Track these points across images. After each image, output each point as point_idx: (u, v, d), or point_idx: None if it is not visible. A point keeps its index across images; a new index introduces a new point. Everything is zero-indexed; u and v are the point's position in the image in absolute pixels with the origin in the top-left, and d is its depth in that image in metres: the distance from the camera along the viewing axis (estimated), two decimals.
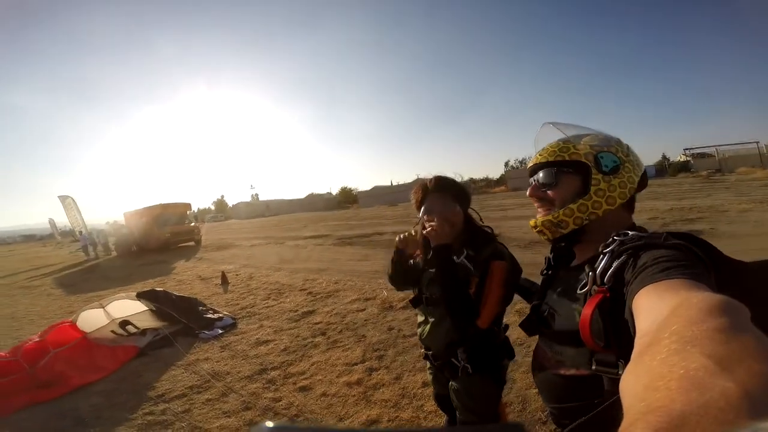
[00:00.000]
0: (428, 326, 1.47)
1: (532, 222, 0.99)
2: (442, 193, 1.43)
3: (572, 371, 0.84)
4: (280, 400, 2.78)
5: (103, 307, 4.62)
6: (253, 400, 2.81)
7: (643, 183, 0.92)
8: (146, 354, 3.98)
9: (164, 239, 16.29)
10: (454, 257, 1.36)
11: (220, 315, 5.05)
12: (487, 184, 57.29)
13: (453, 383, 1.46)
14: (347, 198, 69.46)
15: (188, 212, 18.88)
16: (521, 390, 2.46)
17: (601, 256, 0.77)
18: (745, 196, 12.81)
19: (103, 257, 16.97)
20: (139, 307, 4.91)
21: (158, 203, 18.12)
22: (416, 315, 1.61)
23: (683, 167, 41.12)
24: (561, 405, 0.88)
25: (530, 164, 0.99)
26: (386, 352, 3.39)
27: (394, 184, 66.41)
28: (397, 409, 2.52)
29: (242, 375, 3.26)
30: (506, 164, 68.79)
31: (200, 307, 5.20)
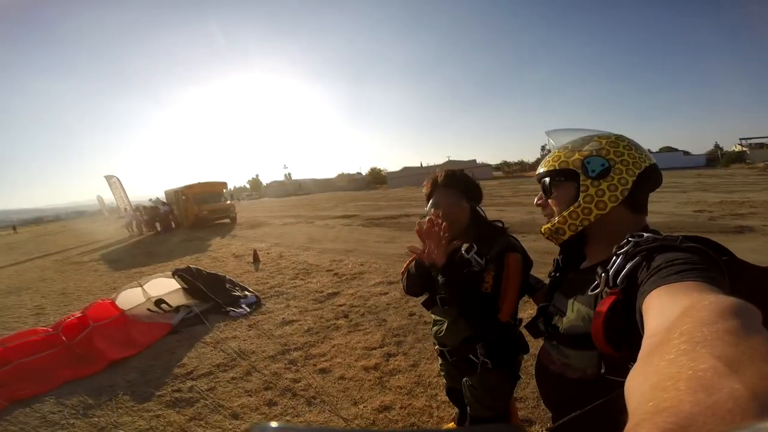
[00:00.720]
0: (445, 325, 1.47)
1: (541, 229, 1.00)
2: (450, 188, 1.41)
3: (578, 375, 0.84)
4: (299, 381, 2.86)
5: (141, 286, 4.90)
6: (274, 380, 2.91)
7: (654, 181, 0.88)
8: (179, 331, 4.21)
9: (202, 216, 17.00)
10: (463, 251, 1.34)
11: (246, 293, 5.25)
12: (521, 168, 55.52)
13: (467, 379, 1.46)
14: (376, 178, 69.50)
15: (224, 190, 19.49)
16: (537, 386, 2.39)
17: (614, 257, 0.75)
18: None
19: (146, 234, 17.99)
20: (174, 285, 5.18)
21: (196, 182, 18.81)
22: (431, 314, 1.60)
23: (738, 158, 37.95)
24: (565, 407, 0.86)
25: (536, 173, 1.01)
26: (405, 338, 3.40)
27: (424, 165, 65.67)
28: (411, 396, 2.53)
29: (266, 354, 3.38)
30: (542, 148, 66.05)
31: (227, 284, 5.41)
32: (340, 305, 4.55)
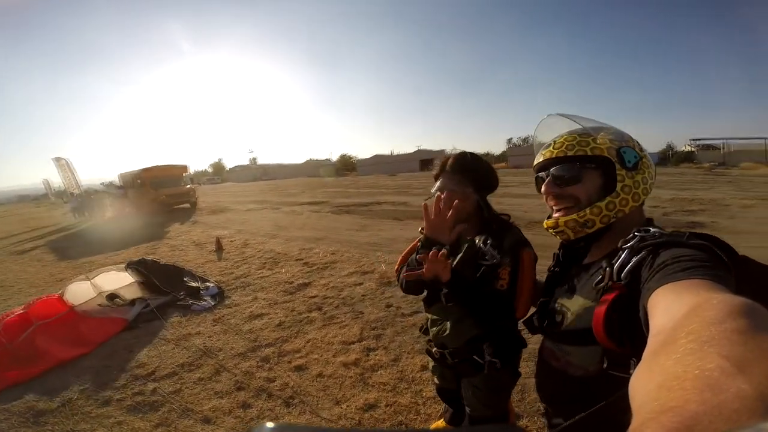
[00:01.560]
0: (448, 324, 1.37)
1: (549, 222, 0.91)
2: (457, 173, 1.31)
3: (581, 372, 0.82)
4: (274, 381, 2.68)
5: (89, 280, 4.47)
6: (246, 380, 2.70)
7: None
8: (136, 327, 3.86)
9: (159, 201, 16.06)
10: (480, 243, 1.26)
11: (208, 284, 4.93)
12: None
13: (470, 380, 1.39)
14: (346, 165, 68.80)
15: (184, 174, 18.56)
16: (520, 379, 2.37)
17: (620, 251, 0.74)
18: (749, 192, 12.44)
19: (96, 219, 16.74)
20: (127, 279, 4.77)
21: (154, 165, 17.74)
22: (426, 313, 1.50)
23: (687, 157, 40.18)
24: (566, 404, 0.86)
25: (541, 158, 0.91)
26: (384, 331, 3.29)
27: (395, 153, 65.71)
28: (395, 393, 2.42)
29: (235, 352, 3.16)
30: (509, 141, 67.83)
31: (186, 277, 5.06)
32: (313, 297, 4.36)
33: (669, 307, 0.50)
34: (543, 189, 0.91)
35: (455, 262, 1.30)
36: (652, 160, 0.89)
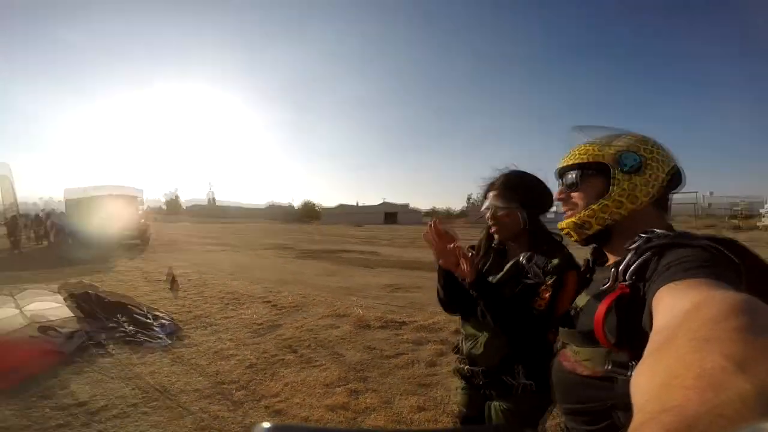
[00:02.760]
0: (482, 338, 1.29)
1: (560, 224, 0.98)
2: (505, 190, 1.29)
3: (588, 372, 0.83)
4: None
5: (20, 309, 3.88)
6: (217, 425, 2.34)
7: (677, 181, 0.89)
8: (75, 362, 3.32)
9: (107, 234, 14.69)
10: (523, 260, 1.23)
11: (161, 320, 4.44)
12: (447, 215, 59.35)
13: (498, 403, 1.29)
14: (310, 213, 68.31)
15: (138, 208, 17.15)
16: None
17: (626, 253, 0.76)
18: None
19: (32, 246, 14.99)
20: (64, 310, 4.20)
21: (107, 185, 16.34)
22: (461, 328, 1.42)
23: None
24: (573, 405, 0.87)
25: (557, 167, 0.99)
26: (370, 374, 3.04)
27: (360, 204, 66.53)
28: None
29: (201, 394, 2.76)
30: (468, 198, 71.23)
31: (136, 312, 4.54)
32: (285, 338, 4.02)
33: (671, 305, 0.50)
34: (555, 195, 1.00)
35: (497, 278, 1.27)
36: (666, 162, 0.87)
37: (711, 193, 53.91)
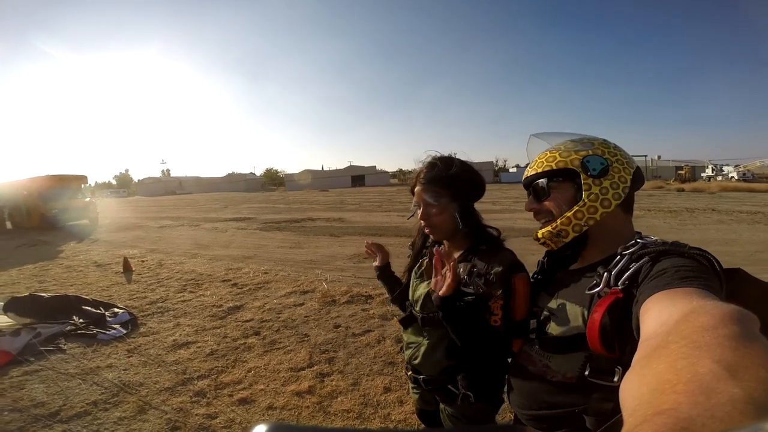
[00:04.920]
0: (422, 348, 1.22)
1: (535, 234, 0.96)
2: (431, 184, 1.14)
3: (558, 377, 0.83)
4: (216, 417, 2.30)
5: None
6: (181, 418, 2.28)
7: (638, 180, 0.90)
8: (25, 361, 3.10)
9: (50, 216, 13.67)
10: (462, 273, 1.08)
11: (114, 309, 4.23)
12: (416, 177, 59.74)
13: (446, 407, 1.25)
14: (273, 180, 66.20)
15: (83, 185, 16.14)
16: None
17: (619, 257, 0.76)
18: (636, 204, 14.57)
19: None
20: (3, 316, 3.86)
21: (45, 174, 15.18)
22: (402, 334, 1.35)
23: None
24: (538, 411, 0.86)
25: (523, 178, 0.99)
26: (336, 354, 3.06)
27: (326, 168, 65.16)
28: (362, 420, 2.23)
29: (161, 386, 2.67)
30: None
31: (85, 306, 4.27)
32: (247, 321, 3.95)
33: (661, 312, 0.51)
34: (525, 206, 0.98)
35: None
36: (629, 163, 0.89)
37: (659, 157, 57.95)
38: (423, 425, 1.61)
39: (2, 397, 2.57)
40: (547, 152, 0.93)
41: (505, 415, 2.19)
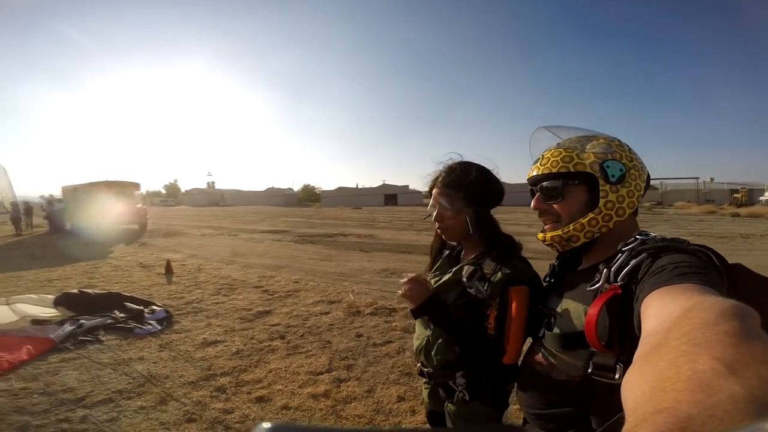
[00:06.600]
0: (425, 340, 1.23)
1: (540, 235, 0.94)
2: (448, 188, 1.16)
3: (563, 377, 0.82)
4: (231, 412, 2.35)
5: (9, 305, 3.89)
6: (198, 411, 2.36)
7: (649, 186, 0.88)
8: (65, 349, 3.33)
9: (106, 219, 14.83)
10: (464, 277, 1.11)
11: (153, 307, 4.46)
12: None
13: (449, 405, 1.23)
14: (309, 196, 68.21)
15: (136, 192, 17.42)
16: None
17: (619, 254, 0.75)
18: (683, 229, 13.87)
19: (32, 233, 15.12)
20: (53, 310, 4.21)
21: (102, 180, 16.56)
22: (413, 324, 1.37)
23: None
24: (545, 410, 0.85)
25: (530, 174, 0.94)
26: (356, 362, 3.05)
27: (360, 186, 66.38)
28: (372, 425, 2.21)
29: (185, 380, 2.78)
30: None
31: (125, 301, 4.55)
32: (274, 325, 4.04)
33: (661, 309, 0.50)
34: (532, 204, 0.94)
35: (441, 281, 1.18)
36: (643, 167, 0.87)
37: (711, 179, 54.26)
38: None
39: (36, 381, 2.75)
40: (561, 150, 0.87)
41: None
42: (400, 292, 1.15)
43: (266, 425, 0.20)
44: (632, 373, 0.36)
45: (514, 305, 1.03)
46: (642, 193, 0.85)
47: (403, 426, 2.00)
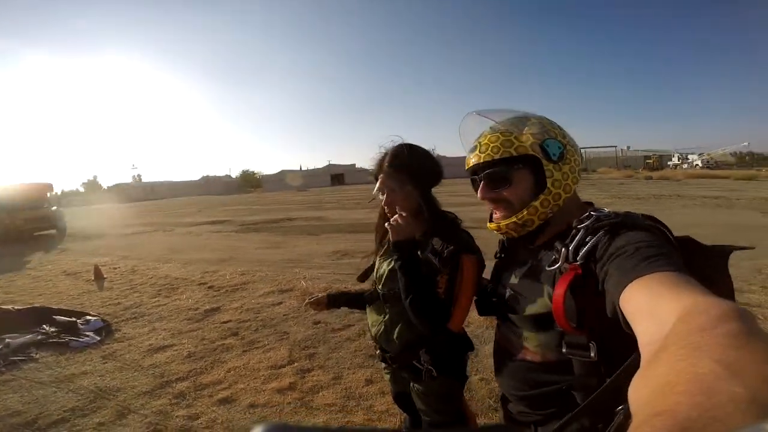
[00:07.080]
0: (382, 325, 1.28)
1: (492, 225, 0.93)
2: (394, 169, 1.20)
3: (539, 357, 0.82)
4: (197, 418, 2.29)
5: None
6: (162, 420, 2.27)
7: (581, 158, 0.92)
8: None
9: (15, 227, 13.00)
10: (418, 252, 1.17)
11: (87, 317, 4.11)
12: None
13: (415, 385, 1.31)
14: (250, 182, 65.01)
15: (48, 194, 15.42)
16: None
17: (574, 231, 0.76)
18: (607, 192, 15.60)
19: None
20: None
21: (9, 184, 14.44)
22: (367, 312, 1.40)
23: None
24: (527, 392, 0.85)
25: (471, 163, 0.91)
26: (317, 350, 3.08)
27: (304, 168, 64.49)
28: (345, 413, 2.26)
29: (139, 390, 2.64)
30: None
31: (53, 314, 4.13)
32: (225, 322, 3.91)
33: (652, 311, 0.50)
34: (478, 194, 0.91)
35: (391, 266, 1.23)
36: (575, 144, 0.89)
37: (628, 147, 60.50)
38: (401, 410, 1.65)
39: None
40: (498, 134, 0.86)
41: (477, 392, 2.27)
42: (392, 222, 1.18)
43: (264, 425, 0.20)
44: (636, 380, 0.36)
45: (465, 272, 1.10)
46: (581, 166, 0.88)
47: (408, 426, 2.06)
